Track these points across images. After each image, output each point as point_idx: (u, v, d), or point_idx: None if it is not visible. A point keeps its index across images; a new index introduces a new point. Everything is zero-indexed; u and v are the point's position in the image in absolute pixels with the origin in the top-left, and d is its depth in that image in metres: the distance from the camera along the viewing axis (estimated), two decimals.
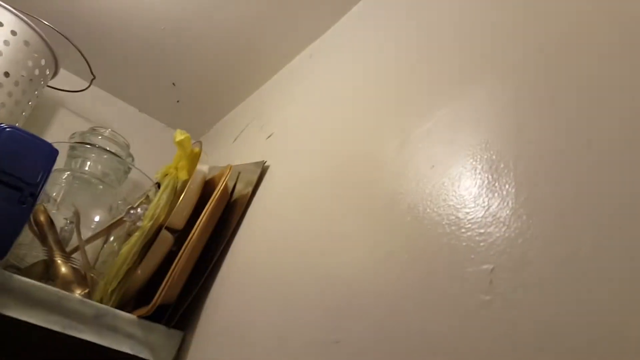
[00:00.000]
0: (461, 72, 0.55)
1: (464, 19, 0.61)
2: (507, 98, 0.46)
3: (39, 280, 0.74)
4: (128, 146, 1.13)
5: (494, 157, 0.43)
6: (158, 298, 0.74)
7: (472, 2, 0.62)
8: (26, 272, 0.83)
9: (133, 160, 1.12)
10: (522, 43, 0.49)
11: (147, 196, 1.00)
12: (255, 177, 0.85)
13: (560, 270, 0.33)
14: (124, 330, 0.74)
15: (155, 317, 0.77)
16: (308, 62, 1.06)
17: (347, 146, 0.68)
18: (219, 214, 0.84)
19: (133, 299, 0.85)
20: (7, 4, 0.93)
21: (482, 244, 0.39)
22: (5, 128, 0.68)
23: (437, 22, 0.67)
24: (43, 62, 1.01)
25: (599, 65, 0.39)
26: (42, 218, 0.89)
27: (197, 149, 0.87)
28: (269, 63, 1.17)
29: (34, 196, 0.68)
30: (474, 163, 0.45)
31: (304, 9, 1.01)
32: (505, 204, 0.39)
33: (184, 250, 0.76)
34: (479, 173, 0.44)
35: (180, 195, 0.81)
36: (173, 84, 1.30)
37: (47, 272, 0.85)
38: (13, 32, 0.93)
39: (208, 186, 0.85)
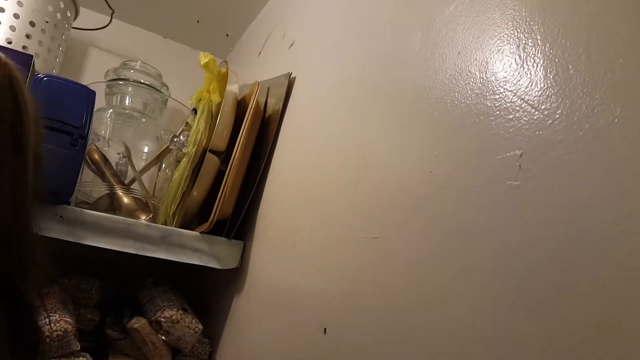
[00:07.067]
0: None
1: None
2: None
3: (106, 211, 0.82)
4: (160, 76, 1.15)
5: (521, 35, 0.41)
6: (215, 214, 0.80)
7: None
8: (94, 206, 0.91)
9: (167, 89, 1.14)
10: None
11: (187, 123, 1.03)
12: (283, 90, 0.85)
13: (592, 146, 0.32)
14: (190, 246, 0.82)
15: (215, 231, 0.84)
16: None
17: (369, 44, 0.65)
18: (256, 130, 0.86)
19: (194, 218, 0.92)
20: None
21: (510, 130, 0.38)
22: (43, 77, 0.71)
23: None
24: (62, 4, 1.01)
25: None
26: (96, 156, 0.95)
27: (223, 70, 0.87)
28: None
29: (84, 137, 0.72)
30: (500, 44, 0.43)
31: None
32: (533, 85, 0.38)
33: (230, 168, 0.79)
34: (506, 55, 0.42)
35: (217, 118, 0.83)
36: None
37: (112, 204, 0.93)
38: None
39: (241, 105, 0.86)
